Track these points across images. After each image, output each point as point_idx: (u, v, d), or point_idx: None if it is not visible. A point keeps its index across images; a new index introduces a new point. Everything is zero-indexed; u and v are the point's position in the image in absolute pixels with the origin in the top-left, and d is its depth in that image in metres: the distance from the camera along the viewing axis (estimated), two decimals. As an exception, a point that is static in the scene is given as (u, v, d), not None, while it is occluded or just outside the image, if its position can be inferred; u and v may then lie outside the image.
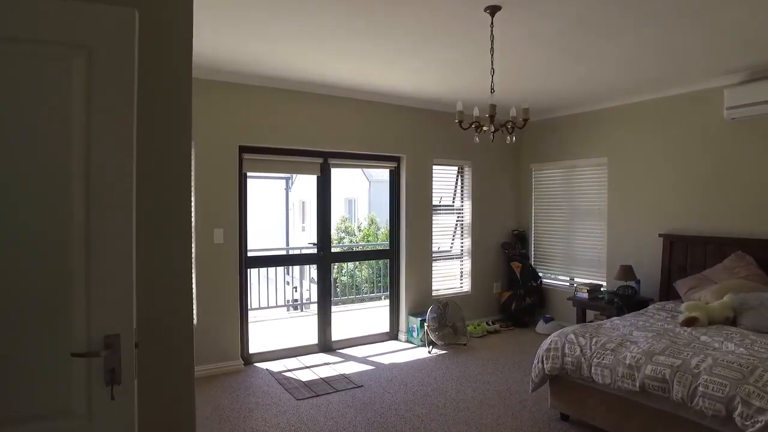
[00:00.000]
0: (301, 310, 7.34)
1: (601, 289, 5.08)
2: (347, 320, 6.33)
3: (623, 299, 4.68)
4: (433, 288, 5.66)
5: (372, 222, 14.25)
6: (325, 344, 4.98)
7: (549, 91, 4.90)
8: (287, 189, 15.85)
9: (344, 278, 9.03)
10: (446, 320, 5.09)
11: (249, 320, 4.63)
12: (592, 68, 4.14)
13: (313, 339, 5.01)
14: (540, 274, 6.11)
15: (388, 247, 5.60)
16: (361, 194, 16.11)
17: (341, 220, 14.28)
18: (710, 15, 2.98)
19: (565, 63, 3.97)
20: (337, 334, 5.11)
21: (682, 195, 4.73)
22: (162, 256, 1.79)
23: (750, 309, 3.53)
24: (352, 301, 7.82)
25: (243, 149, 4.41)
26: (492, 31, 2.78)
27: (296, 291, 7.58)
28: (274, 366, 4.48)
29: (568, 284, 5.95)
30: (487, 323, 5.78)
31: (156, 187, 1.77)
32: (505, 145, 6.21)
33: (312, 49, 3.56)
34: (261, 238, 9.83)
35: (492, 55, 2.89)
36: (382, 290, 7.83)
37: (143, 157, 1.63)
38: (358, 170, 15.58)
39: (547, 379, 3.34)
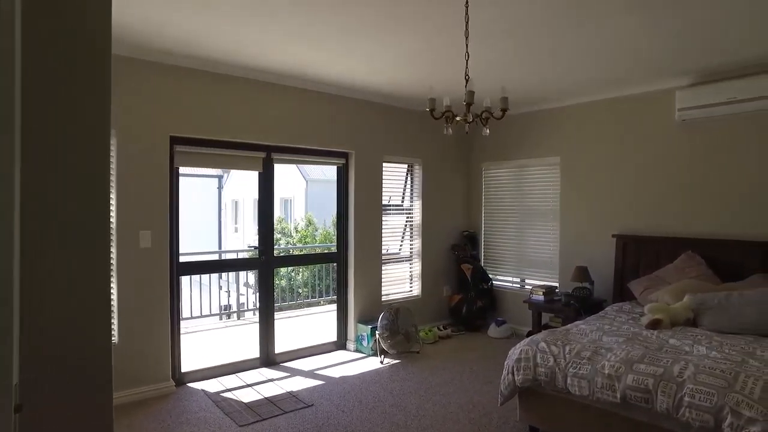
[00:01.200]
0: (237, 318, 6.78)
1: (556, 290, 4.99)
2: (289, 329, 5.88)
3: (579, 301, 4.61)
4: (383, 293, 5.35)
5: (309, 222, 13.77)
6: (268, 358, 4.52)
7: (501, 89, 4.74)
8: (220, 188, 14.96)
9: (281, 282, 8.53)
10: (398, 327, 4.80)
11: (181, 334, 4.07)
12: (546, 66, 4.01)
13: (253, 352, 4.53)
14: (491, 276, 5.97)
15: (335, 250, 5.22)
16: (297, 193, 15.56)
17: (277, 221, 13.67)
18: (666, 16, 2.93)
19: (517, 60, 3.80)
20: (280, 345, 4.66)
21: (634, 195, 4.73)
22: (70, 266, 1.34)
23: (709, 309, 3.51)
24: (290, 307, 7.34)
25: (175, 141, 3.86)
26: (467, 11, 2.50)
27: (230, 296, 6.98)
28: (211, 386, 3.97)
29: (519, 286, 5.85)
30: (439, 328, 5.55)
31: (63, 182, 1.32)
32: (455, 142, 6.07)
33: (255, 29, 3.13)
34: (192, 241, 9.11)
35: (467, 38, 2.61)
36: (323, 294, 7.44)
37: (46, 145, 1.28)
38: (295, 169, 15.02)
39: (517, 391, 3.12)
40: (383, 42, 3.37)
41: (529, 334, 5.11)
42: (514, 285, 5.90)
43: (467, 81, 2.59)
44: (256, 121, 4.27)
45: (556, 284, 5.26)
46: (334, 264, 5.20)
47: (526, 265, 5.74)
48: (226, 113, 4.09)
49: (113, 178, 3.49)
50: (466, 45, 2.65)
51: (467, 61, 2.68)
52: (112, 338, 3.47)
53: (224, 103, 4.07)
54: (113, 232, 3.51)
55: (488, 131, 2.76)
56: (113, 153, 3.49)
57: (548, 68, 4.05)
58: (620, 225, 4.80)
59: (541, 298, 4.82)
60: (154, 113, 3.70)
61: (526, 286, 5.73)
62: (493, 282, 5.95)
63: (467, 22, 2.53)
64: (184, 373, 4.02)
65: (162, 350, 3.77)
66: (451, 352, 4.95)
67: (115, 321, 3.53)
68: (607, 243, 4.82)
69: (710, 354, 2.81)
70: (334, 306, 5.27)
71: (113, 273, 3.53)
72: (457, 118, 2.65)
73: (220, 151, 4.15)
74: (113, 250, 3.51)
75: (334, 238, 5.34)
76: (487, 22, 2.88)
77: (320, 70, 4.12)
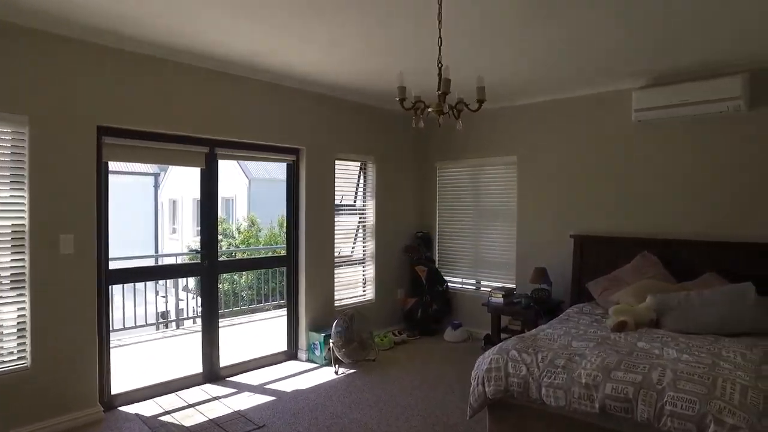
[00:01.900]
0: (176, 327, 6.26)
1: (514, 292, 4.89)
2: (235, 338, 5.46)
3: (539, 303, 4.53)
4: (336, 298, 5.07)
5: (252, 223, 13.21)
6: (212, 372, 4.11)
7: (456, 84, 4.60)
8: (156, 186, 14.05)
9: (224, 285, 8.03)
10: (353, 334, 4.53)
11: (111, 350, 3.60)
12: (503, 63, 3.88)
13: (195, 366, 4.10)
14: (446, 278, 5.82)
15: (282, 252, 4.88)
16: (239, 193, 14.92)
17: (218, 222, 13.02)
18: (626, 15, 2.90)
19: (474, 55, 3.64)
20: (225, 357, 4.27)
21: (592, 196, 4.71)
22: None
23: (671, 310, 3.49)
24: (234, 314, 6.87)
25: (103, 131, 3.39)
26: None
27: (167, 302, 6.44)
28: (147, 408, 3.54)
29: (474, 287, 5.74)
30: (394, 333, 5.34)
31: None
32: (410, 140, 5.88)
33: (196, 3, 2.75)
34: (125, 245, 8.40)
35: (440, 22, 2.39)
36: (269, 298, 7.04)
37: None
38: (237, 167, 14.40)
39: (488, 403, 2.94)
40: (342, 27, 3.09)
41: (487, 337, 5.00)
42: (470, 287, 5.78)
43: (440, 69, 2.36)
44: (198, 113, 3.86)
45: (514, 286, 5.18)
46: (284, 268, 4.85)
47: (482, 266, 5.63)
48: (165, 102, 3.66)
49: (25, 172, 3.01)
50: (439, 29, 2.42)
51: (440, 47, 2.46)
52: (24, 362, 3.01)
53: (162, 91, 3.64)
54: (26, 235, 3.02)
55: (461, 125, 2.55)
56: (25, 143, 3.00)
57: (505, 66, 3.92)
58: (578, 225, 4.77)
59: (501, 300, 4.70)
60: (78, 98, 3.22)
61: (482, 288, 5.63)
62: (448, 284, 5.80)
63: (440, 4, 2.31)
64: (115, 395, 3.55)
65: (87, 371, 3.29)
66: (408, 359, 4.74)
67: (27, 342, 3.04)
68: (565, 243, 4.78)
69: (681, 357, 2.75)
70: (281, 311, 4.94)
71: (25, 284, 3.03)
72: (429, 110, 2.42)
73: (158, 144, 3.71)
74: (25, 256, 3.02)
75: (280, 239, 5.00)
76: (452, 12, 2.67)
77: (271, 58, 3.78)
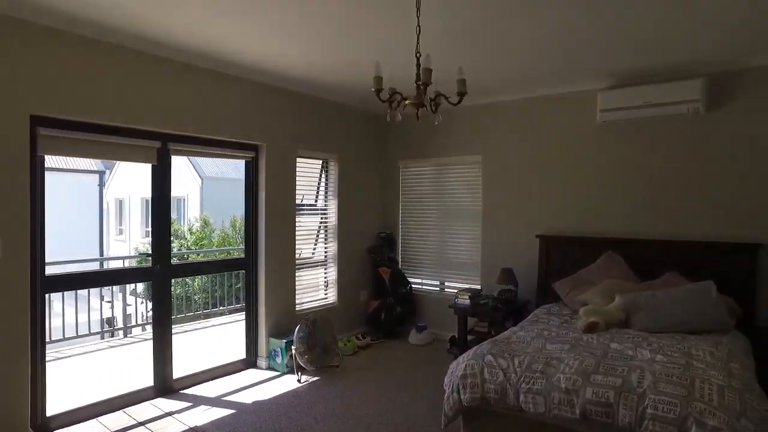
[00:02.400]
0: (124, 336, 5.84)
1: (480, 293, 4.82)
2: (189, 346, 5.13)
3: (506, 304, 4.47)
4: (297, 302, 4.84)
5: (205, 224, 12.71)
6: (165, 385, 3.81)
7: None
8: (102, 185, 13.26)
9: (176, 289, 7.61)
10: (316, 339, 4.33)
11: (47, 365, 3.23)
12: (474, 61, 3.79)
13: (146, 379, 3.78)
14: (409, 280, 5.70)
15: (237, 254, 4.61)
16: (191, 192, 14.33)
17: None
18: (596, 15, 2.88)
19: (439, 51, 3.50)
20: (179, 368, 3.96)
21: (558, 196, 4.70)
22: None
23: (639, 309, 3.50)
24: (187, 319, 6.50)
25: (39, 121, 3.04)
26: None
27: (113, 308, 5.99)
28: (89, 430, 3.20)
29: (439, 289, 5.64)
30: (357, 337, 5.16)
31: None
32: (372, 138, 5.73)
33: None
34: (66, 249, 7.82)
35: (418, 9, 2.24)
36: (224, 302, 6.72)
37: None
38: (188, 165, 13.84)
39: (463, 411, 2.82)
40: (304, 16, 2.88)
41: (453, 339, 4.91)
42: (434, 288, 5.69)
43: (419, 59, 2.21)
44: (150, 104, 3.56)
45: (479, 286, 5.12)
46: (242, 271, 4.58)
47: (446, 267, 5.54)
48: (112, 91, 3.33)
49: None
50: (417, 17, 2.28)
51: (418, 35, 2.31)
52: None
53: (109, 79, 3.32)
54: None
55: (441, 118, 2.41)
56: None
57: (477, 63, 3.83)
58: (544, 225, 4.76)
59: (467, 302, 4.62)
60: (7, 83, 2.88)
61: (447, 289, 5.54)
62: (412, 285, 5.68)
63: (419, -10, 2.16)
64: (51, 417, 3.18)
65: (15, 391, 2.92)
66: (374, 364, 4.58)
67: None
68: (531, 244, 4.76)
69: (656, 358, 2.73)
70: (238, 315, 4.65)
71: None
72: (407, 102, 2.27)
73: (104, 137, 3.38)
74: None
75: (233, 240, 4.72)
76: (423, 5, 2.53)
77: (229, 47, 3.51)
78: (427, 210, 5.66)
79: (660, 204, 4.20)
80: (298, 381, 4.11)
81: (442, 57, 3.56)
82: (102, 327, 5.85)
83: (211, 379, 4.11)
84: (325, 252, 5.29)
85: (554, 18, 2.90)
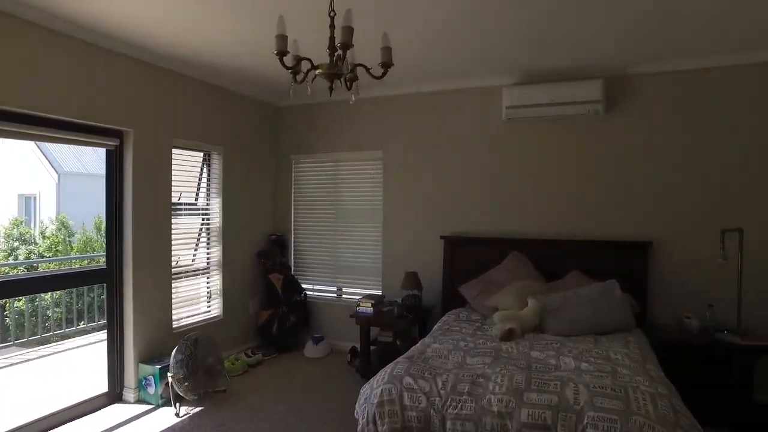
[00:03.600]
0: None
1: (384, 300, 4.48)
2: (31, 379, 4.14)
3: (412, 311, 4.18)
4: (175, 317, 4.12)
5: (63, 226, 10.98)
6: (-12, 437, 2.92)
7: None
8: None
9: (19, 303, 6.26)
10: (198, 362, 3.67)
11: None
12: (376, 40, 3.44)
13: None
14: (304, 287, 5.20)
15: (102, 264, 3.79)
16: (45, 189, 12.35)
17: (12, 224, 10.49)
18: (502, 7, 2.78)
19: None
20: (17, 413, 3.08)
21: (463, 195, 4.52)
22: None
23: (552, 312, 3.40)
24: (31, 344, 5.32)
25: None
26: None
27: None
28: None
29: (336, 296, 5.21)
30: (247, 354, 4.55)
31: None
32: (263, 129, 5.13)
33: None
34: None
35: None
36: (85, 319, 5.64)
37: None
38: (39, 158, 11.94)
39: (379, 443, 2.43)
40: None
41: (353, 350, 4.54)
42: (330, 295, 5.24)
43: (333, 18, 1.77)
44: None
45: (381, 292, 4.79)
46: (103, 284, 3.76)
47: (345, 271, 5.13)
48: None
49: None
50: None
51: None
52: None
53: None
54: None
55: (354, 98, 1.99)
56: None
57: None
58: (448, 226, 4.55)
59: (370, 310, 4.24)
60: None
61: (345, 296, 5.14)
62: (307, 293, 5.19)
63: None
64: None
65: None
66: (267, 384, 4.02)
67: None
68: (435, 245, 4.53)
69: (581, 366, 2.58)
70: (97, 336, 3.79)
71: None
72: (317, 72, 1.81)
73: None
74: None
75: (98, 245, 3.87)
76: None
77: (86, 8, 2.78)
78: (323, 210, 5.20)
79: (563, 203, 4.19)
80: (177, 415, 3.42)
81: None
82: None
83: (63, 423, 3.25)
84: (208, 258, 4.60)
85: (457, 4, 2.64)
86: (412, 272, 4.35)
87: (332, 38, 1.78)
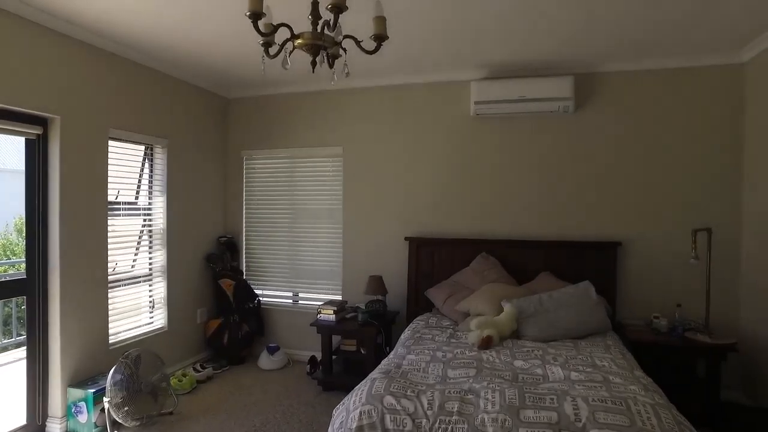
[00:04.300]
0: None
1: (346, 306, 4.18)
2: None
3: (377, 318, 3.91)
4: (112, 332, 3.64)
5: (-26, 229, 9.86)
6: None
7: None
8: None
9: None
10: (140, 382, 3.24)
11: None
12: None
13: None
14: (257, 292, 4.81)
15: (22, 272, 3.26)
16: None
17: None
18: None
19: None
20: None
21: (429, 194, 4.30)
22: None
23: (529, 317, 3.25)
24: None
25: None
26: None
27: None
28: None
29: (292, 302, 4.86)
30: (196, 368, 4.13)
31: None
32: (212, 122, 4.70)
33: None
34: None
35: None
36: (2, 333, 4.96)
37: None
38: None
39: (359, 473, 2.14)
40: None
41: (313, 360, 4.23)
42: (286, 300, 4.88)
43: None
44: None
45: (340, 297, 4.50)
46: (22, 297, 3.23)
47: (301, 276, 4.78)
48: None
49: None
50: None
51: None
52: None
53: None
54: None
55: (346, 73, 1.70)
56: None
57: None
58: (414, 226, 4.32)
59: (332, 318, 3.93)
60: None
61: (301, 302, 4.80)
62: (261, 299, 4.81)
63: None
64: None
65: None
66: (220, 403, 3.63)
67: None
68: (399, 247, 4.29)
69: (571, 376, 2.41)
70: (16, 354, 3.24)
71: None
72: (297, 42, 1.51)
73: None
74: None
75: (19, 249, 3.34)
76: None
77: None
78: (278, 209, 4.84)
79: (532, 203, 4.07)
80: (114, 445, 2.99)
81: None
82: None
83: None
84: (150, 263, 4.13)
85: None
86: (376, 276, 4.08)
87: (314, 2, 1.48)
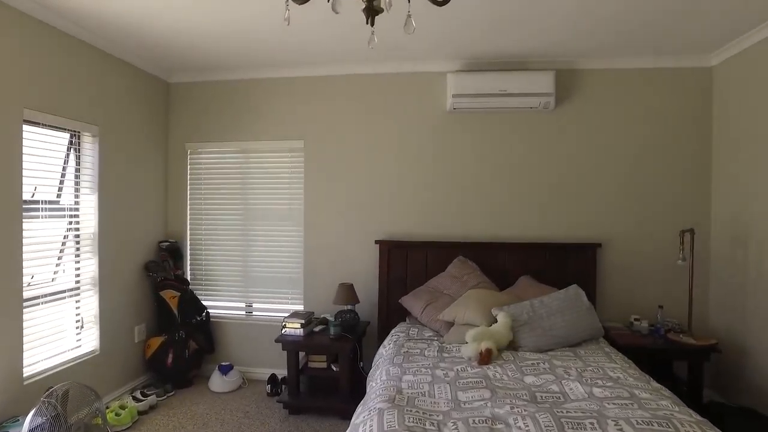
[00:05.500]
0: None
1: (313, 318, 3.74)
2: None
3: (350, 331, 3.52)
4: (28, 363, 2.96)
5: None
6: None
7: (207, 35, 3.27)
8: None
9: None
10: (69, 424, 2.64)
11: None
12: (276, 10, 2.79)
13: None
14: (205, 304, 4.25)
15: None
16: None
17: None
18: None
19: None
20: None
21: (401, 193, 3.96)
22: None
23: (523, 325, 3.00)
24: None
25: None
26: None
27: None
28: None
29: (245, 313, 4.33)
30: (136, 397, 3.52)
31: None
32: (152, 109, 4.07)
33: None
34: None
35: None
36: None
37: None
38: None
39: None
40: None
41: (272, 379, 3.78)
42: (238, 312, 4.34)
43: None
44: None
45: (302, 307, 4.06)
46: None
47: (257, 284, 4.27)
48: None
49: None
50: None
51: None
52: None
53: None
54: None
55: (414, 27, 1.31)
56: None
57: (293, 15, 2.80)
58: (384, 228, 3.97)
59: (299, 332, 3.48)
60: None
61: (255, 313, 4.29)
62: (210, 312, 4.25)
63: None
64: None
65: None
66: (168, 438, 3.09)
67: None
68: (369, 251, 3.93)
69: (594, 392, 2.18)
70: None
71: None
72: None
73: None
74: None
75: None
76: None
77: None
78: (229, 210, 4.30)
79: (510, 203, 3.86)
80: (37, 504, 2.39)
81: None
82: None
83: None
84: (78, 274, 3.47)
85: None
86: (347, 284, 3.69)
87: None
